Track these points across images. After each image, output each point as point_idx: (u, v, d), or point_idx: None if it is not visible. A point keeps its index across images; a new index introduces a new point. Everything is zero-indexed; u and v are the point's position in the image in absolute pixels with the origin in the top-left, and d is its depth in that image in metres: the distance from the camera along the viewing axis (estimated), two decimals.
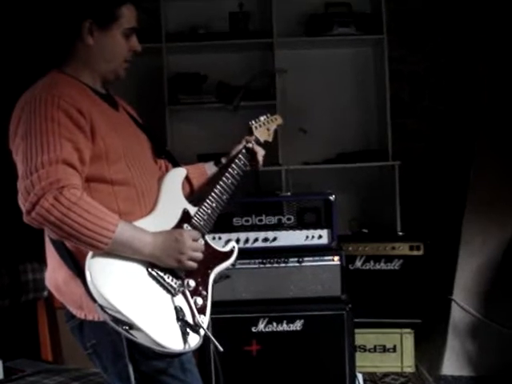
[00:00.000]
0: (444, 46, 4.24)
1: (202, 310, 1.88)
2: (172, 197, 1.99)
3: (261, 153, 2.22)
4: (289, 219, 3.03)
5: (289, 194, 3.24)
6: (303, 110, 4.12)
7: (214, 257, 1.97)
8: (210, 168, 2.25)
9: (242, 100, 3.93)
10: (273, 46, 3.99)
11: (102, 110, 1.91)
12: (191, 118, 4.21)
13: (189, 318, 1.82)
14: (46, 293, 2.56)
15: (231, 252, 2.04)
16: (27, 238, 2.16)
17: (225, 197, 2.05)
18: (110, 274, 1.74)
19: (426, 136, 4.27)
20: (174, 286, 1.84)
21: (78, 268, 1.76)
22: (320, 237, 3.02)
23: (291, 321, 2.95)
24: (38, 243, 1.96)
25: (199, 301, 1.88)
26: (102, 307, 1.69)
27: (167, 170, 2.15)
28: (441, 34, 4.23)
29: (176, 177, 2.06)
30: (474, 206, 3.58)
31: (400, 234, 3.82)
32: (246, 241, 3.01)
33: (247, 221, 3.02)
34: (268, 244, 3.02)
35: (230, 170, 2.11)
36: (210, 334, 1.85)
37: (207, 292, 1.91)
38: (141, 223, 1.83)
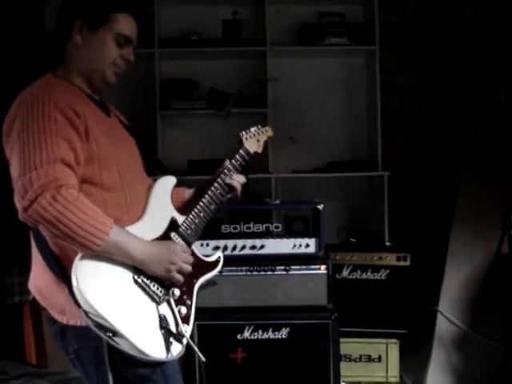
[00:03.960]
0: (436, 58, 4.26)
1: (185, 319, 1.89)
2: (160, 205, 1.99)
3: (239, 180, 2.15)
4: (277, 227, 3.04)
5: (277, 202, 3.25)
6: (294, 119, 4.13)
7: (199, 266, 1.98)
8: (189, 193, 2.23)
9: (233, 107, 3.94)
10: (265, 55, 4.00)
11: (95, 114, 1.93)
12: (182, 123, 4.21)
13: (172, 327, 1.83)
14: (31, 296, 2.56)
15: (217, 262, 2.06)
16: (13, 241, 2.16)
17: (212, 206, 2.06)
18: (96, 280, 1.74)
19: (416, 148, 4.29)
20: (159, 294, 1.84)
21: (62, 272, 1.76)
22: (307, 245, 3.03)
23: (277, 329, 2.95)
24: (23, 246, 1.96)
25: (183, 310, 1.89)
26: (86, 313, 1.69)
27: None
28: (433, 46, 4.26)
29: (165, 185, 2.06)
30: (462, 219, 3.60)
31: (387, 244, 3.83)
32: (234, 248, 3.01)
33: (235, 228, 3.03)
34: (255, 252, 3.03)
35: (219, 180, 2.10)
36: (192, 344, 1.86)
37: (191, 301, 1.92)
38: (129, 230, 1.83)
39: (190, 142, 4.22)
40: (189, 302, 1.91)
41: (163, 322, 1.81)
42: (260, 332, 2.95)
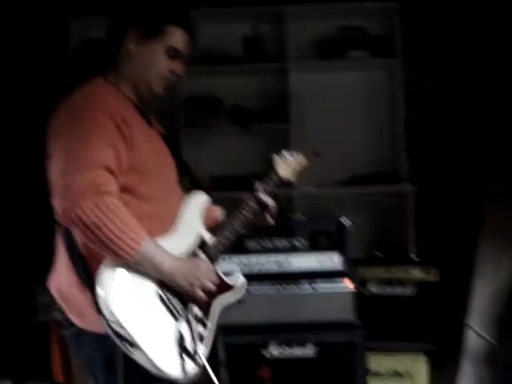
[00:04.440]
0: (458, 68, 4.23)
1: (202, 339, 1.87)
2: (191, 220, 1.99)
3: (270, 203, 2.10)
4: (301, 242, 3.02)
5: (301, 216, 3.23)
6: (317, 133, 4.12)
7: (219, 286, 1.95)
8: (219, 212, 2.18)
9: (256, 123, 3.95)
10: (287, 70, 4.01)
11: (140, 123, 1.94)
12: (206, 140, 4.23)
13: (189, 346, 1.81)
14: (62, 321, 2.56)
15: (235, 284, 2.02)
16: (40, 260, 2.17)
17: (240, 228, 2.03)
18: (120, 290, 1.74)
19: (440, 160, 4.25)
20: (179, 310, 1.83)
21: (87, 276, 1.76)
22: (332, 260, 3.00)
23: (303, 346, 2.92)
24: (50, 265, 1.96)
25: (200, 329, 1.87)
26: (107, 320, 1.69)
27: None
28: (454, 57, 4.23)
29: (198, 201, 2.05)
30: (489, 232, 3.54)
31: (414, 258, 3.78)
32: (258, 264, 2.99)
33: (259, 243, 3.01)
34: (280, 267, 3.01)
35: (249, 202, 2.06)
36: (206, 364, 1.83)
37: (209, 321, 1.91)
38: (159, 242, 1.83)
39: (214, 158, 4.23)
40: (206, 321, 1.90)
41: (180, 340, 1.79)
42: (286, 349, 2.93)
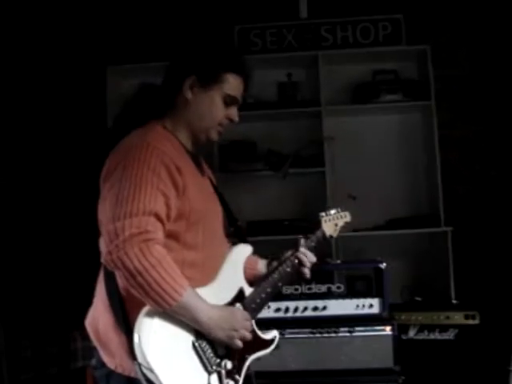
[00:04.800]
0: (493, 109, 4.21)
1: None
2: (233, 272, 2.00)
3: (311, 260, 2.14)
4: (339, 287, 2.99)
5: (339, 261, 3.21)
6: (352, 177, 4.11)
7: (254, 342, 1.94)
8: (262, 264, 2.20)
9: (290, 167, 3.96)
10: (321, 114, 4.03)
11: (193, 171, 1.96)
12: (241, 185, 4.25)
13: None
14: (94, 361, 2.57)
15: (272, 341, 2.02)
16: (78, 305, 2.19)
17: (280, 284, 2.06)
18: (157, 339, 1.74)
19: (478, 201, 4.20)
20: (213, 363, 1.83)
21: (124, 318, 1.78)
22: (371, 306, 2.96)
23: None
24: (86, 311, 1.98)
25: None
26: (139, 365, 1.70)
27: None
28: (488, 97, 4.21)
29: (241, 253, 2.07)
30: None
31: (454, 302, 3.71)
32: (296, 309, 2.97)
33: (296, 289, 2.99)
34: (318, 313, 2.98)
35: (292, 258, 2.10)
36: None
37: (240, 377, 1.89)
38: (198, 291, 1.83)
39: (249, 202, 4.24)
40: (237, 377, 1.88)
41: None
42: None
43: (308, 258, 2.11)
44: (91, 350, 1.97)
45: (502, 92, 4.18)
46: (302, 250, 2.11)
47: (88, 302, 1.96)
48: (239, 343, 1.85)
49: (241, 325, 1.85)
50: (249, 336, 1.87)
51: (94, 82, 4.24)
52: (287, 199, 4.19)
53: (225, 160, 4.08)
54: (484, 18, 4.23)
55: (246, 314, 1.91)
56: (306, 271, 2.12)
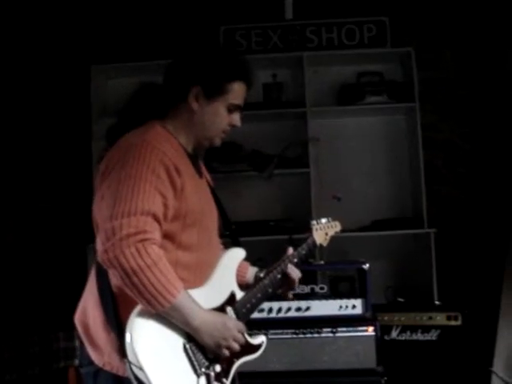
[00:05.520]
0: (477, 112, 4.24)
1: None
2: (225, 276, 2.01)
3: (297, 274, 2.16)
4: (322, 288, 3.01)
5: (322, 262, 3.22)
6: (337, 178, 4.13)
7: (243, 346, 1.93)
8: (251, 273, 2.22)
9: (275, 168, 3.97)
10: (306, 115, 4.04)
11: (191, 172, 1.96)
12: (226, 186, 4.24)
13: None
14: (76, 361, 2.56)
15: (259, 346, 2.03)
16: (60, 307, 2.18)
17: (270, 290, 2.07)
18: (149, 336, 1.75)
19: (462, 203, 4.23)
20: (202, 366, 1.83)
21: (115, 315, 1.78)
22: (354, 306, 2.98)
23: None
24: (70, 312, 1.97)
25: None
26: (130, 363, 1.70)
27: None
28: (473, 100, 4.25)
29: (234, 256, 2.08)
30: None
31: (437, 303, 3.74)
32: (279, 310, 2.98)
33: None
34: (301, 313, 2.99)
35: (282, 265, 2.12)
36: None
37: (227, 380, 1.90)
38: (190, 293, 1.83)
39: (233, 203, 4.23)
40: (225, 381, 1.89)
41: None
42: None
43: (295, 272, 2.13)
44: (74, 351, 1.97)
45: (485, 94, 4.21)
46: (289, 266, 2.12)
47: (72, 303, 1.95)
48: (226, 353, 1.85)
49: (231, 334, 1.85)
50: (237, 348, 1.87)
51: (78, 80, 4.22)
52: (272, 200, 4.20)
53: (209, 161, 4.06)
54: (468, 21, 4.25)
55: (240, 325, 1.90)
56: (290, 296, 2.18)
